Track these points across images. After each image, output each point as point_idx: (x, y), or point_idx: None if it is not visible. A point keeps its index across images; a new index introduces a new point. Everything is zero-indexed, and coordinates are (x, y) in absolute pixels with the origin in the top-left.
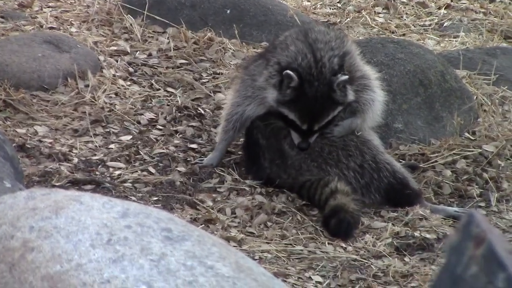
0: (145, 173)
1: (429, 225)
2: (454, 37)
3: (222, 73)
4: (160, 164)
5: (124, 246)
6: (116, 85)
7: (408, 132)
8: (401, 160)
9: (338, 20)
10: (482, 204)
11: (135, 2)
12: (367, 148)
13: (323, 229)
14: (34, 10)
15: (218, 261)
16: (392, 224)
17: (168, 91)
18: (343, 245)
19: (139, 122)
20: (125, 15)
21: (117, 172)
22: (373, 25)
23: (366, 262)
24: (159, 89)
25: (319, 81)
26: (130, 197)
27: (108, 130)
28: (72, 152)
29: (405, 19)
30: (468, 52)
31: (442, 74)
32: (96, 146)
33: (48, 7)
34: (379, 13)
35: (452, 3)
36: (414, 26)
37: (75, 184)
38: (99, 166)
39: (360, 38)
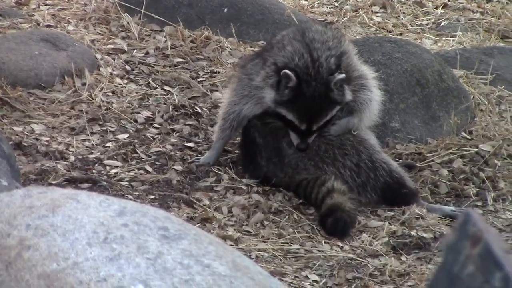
0: (141, 171)
1: (425, 224)
2: (451, 37)
3: (219, 72)
4: (157, 163)
5: (121, 244)
6: (113, 84)
7: (405, 131)
8: (397, 159)
9: (335, 19)
10: (479, 203)
11: (132, 1)
12: (364, 147)
13: (319, 228)
14: (31, 8)
15: (214, 260)
16: (389, 223)
17: (165, 90)
18: (340, 244)
19: (136, 121)
20: (122, 14)
21: (114, 171)
22: (370, 24)
23: (363, 261)
24: (156, 88)
25: (316, 81)
26: (127, 195)
27: (105, 128)
28: (69, 151)
29: (402, 19)
30: (465, 52)
31: (439, 73)
32: (93, 144)
33: (45, 5)
34: (376, 12)
35: (449, 2)
36: (411, 26)
37: (72, 182)
38: (96, 165)
39: (357, 37)
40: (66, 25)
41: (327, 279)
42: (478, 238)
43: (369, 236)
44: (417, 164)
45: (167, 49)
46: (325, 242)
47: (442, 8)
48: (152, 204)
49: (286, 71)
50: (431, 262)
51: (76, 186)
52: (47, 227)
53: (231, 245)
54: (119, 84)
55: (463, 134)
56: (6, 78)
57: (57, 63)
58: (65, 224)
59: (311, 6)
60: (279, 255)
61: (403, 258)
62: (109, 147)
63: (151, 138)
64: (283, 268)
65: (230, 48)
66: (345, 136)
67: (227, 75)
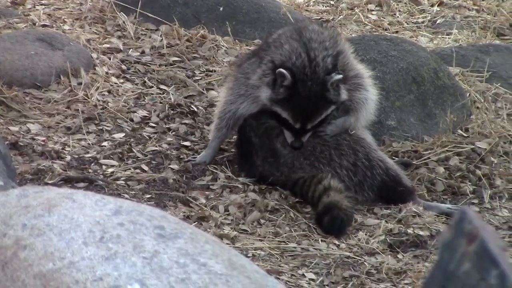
0: (138, 170)
1: (422, 222)
2: (447, 34)
3: (215, 71)
4: (153, 162)
5: (117, 243)
6: (109, 83)
7: (401, 129)
8: (394, 157)
9: (331, 18)
10: (475, 201)
11: (128, 0)
12: (360, 146)
13: (316, 226)
14: (27, 7)
15: (211, 259)
16: (385, 221)
17: (161, 89)
18: (336, 242)
19: (132, 120)
20: (118, 13)
21: (110, 170)
22: (366, 22)
23: (359, 259)
24: (152, 87)
25: (312, 81)
26: (123, 194)
27: (101, 127)
28: (65, 150)
29: (398, 17)
30: (461, 49)
31: (435, 71)
32: (89, 143)
33: (41, 4)
34: (372, 10)
35: (444, 0)
36: (407, 24)
37: (68, 182)
38: (92, 164)
39: (353, 35)
40: (61, 24)
41: (323, 278)
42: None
43: (365, 234)
44: (414, 162)
45: (163, 48)
46: (321, 241)
47: (437, 5)
48: (149, 203)
49: (281, 70)
50: (428, 260)
51: (72, 185)
52: (43, 226)
53: (228, 243)
54: (115, 83)
55: (459, 131)
56: (2, 77)
57: (52, 63)
58: (61, 223)
59: (306, 4)
60: (276, 254)
61: (399, 256)
62: (105, 146)
63: (147, 137)
64: (280, 266)
65: (226, 47)
66: (341, 136)
67: (223, 74)
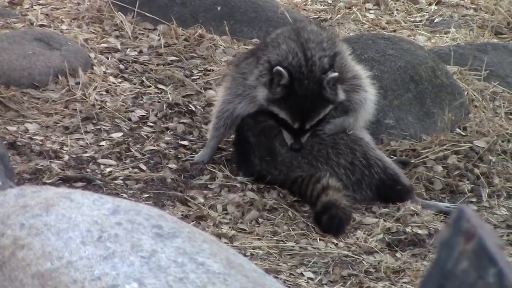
0: (136, 170)
1: (420, 220)
2: (445, 33)
3: (213, 70)
4: (151, 161)
5: (115, 243)
6: (107, 82)
7: (399, 128)
8: (392, 156)
9: (329, 17)
10: (474, 199)
11: None
12: (358, 145)
13: (314, 225)
14: (24, 7)
15: (209, 258)
16: (384, 220)
17: (159, 88)
18: (335, 241)
19: (130, 119)
20: (115, 12)
21: (108, 169)
22: (363, 21)
23: (358, 258)
24: (150, 86)
25: (309, 79)
26: (121, 194)
27: (99, 127)
28: (63, 150)
29: (395, 15)
30: (459, 48)
31: (433, 70)
32: (87, 143)
33: (39, 4)
34: (370, 9)
35: None
36: (405, 22)
37: (66, 181)
38: (90, 163)
39: (351, 34)
40: (59, 24)
41: (322, 276)
42: (471, 234)
43: (364, 233)
44: (412, 161)
45: (161, 48)
46: (320, 239)
47: (435, 4)
48: (147, 202)
49: (279, 68)
50: (426, 259)
51: (70, 185)
52: (41, 226)
53: (226, 243)
54: (113, 83)
55: (458, 130)
56: (0, 77)
57: (50, 63)
58: (59, 223)
59: (304, 3)
60: (274, 253)
61: (398, 254)
62: (103, 146)
63: (145, 137)
64: (278, 265)
65: (224, 46)
66: (339, 135)
67: (221, 73)
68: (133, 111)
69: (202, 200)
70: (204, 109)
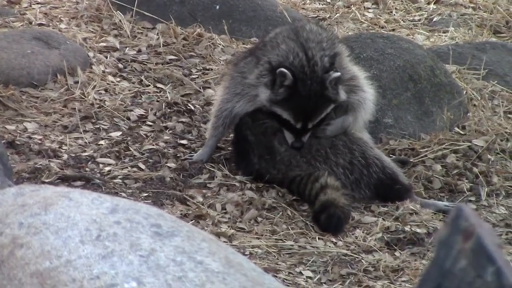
0: (135, 169)
1: (419, 219)
2: (444, 32)
3: (211, 69)
4: (150, 160)
5: (114, 242)
6: (105, 81)
7: (398, 127)
8: (391, 155)
9: (328, 16)
10: (472, 198)
11: None
12: (356, 145)
13: (313, 224)
14: (23, 6)
15: (207, 257)
16: (383, 218)
17: (157, 87)
18: (334, 240)
19: (128, 118)
20: (114, 11)
21: (107, 168)
22: (362, 20)
23: (357, 257)
24: (149, 85)
25: (312, 80)
26: (120, 193)
27: (97, 126)
28: (62, 149)
29: (394, 14)
30: (458, 47)
31: (431, 69)
32: (85, 142)
33: (37, 3)
34: (369, 8)
35: None
36: (404, 21)
37: (65, 180)
38: (89, 163)
39: (350, 33)
40: (58, 23)
41: (321, 275)
42: (470, 233)
43: (363, 232)
44: (411, 160)
45: (160, 47)
46: (319, 238)
47: (434, 3)
48: (146, 201)
49: (283, 69)
50: (425, 258)
51: (69, 184)
52: (39, 225)
53: (225, 241)
54: (112, 82)
55: (456, 129)
56: None
57: (49, 62)
58: (58, 222)
59: (303, 2)
60: (273, 252)
61: (397, 253)
62: (102, 145)
63: (144, 136)
64: (277, 264)
65: (223, 45)
66: (338, 135)
67: (219, 72)
68: (132, 110)
69: (201, 199)
70: (203, 108)
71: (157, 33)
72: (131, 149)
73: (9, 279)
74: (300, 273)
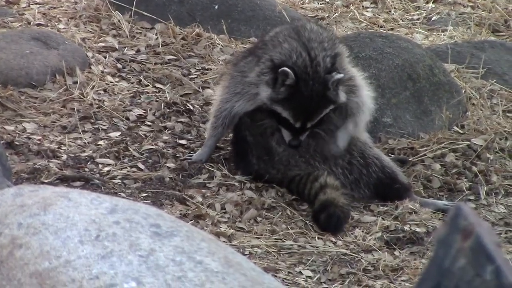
0: (134, 169)
1: (418, 218)
2: (442, 31)
3: (210, 69)
4: (149, 160)
5: (113, 242)
6: (104, 82)
7: (397, 126)
8: (390, 154)
9: (326, 15)
10: (472, 197)
11: None
12: (355, 145)
13: (313, 223)
14: (21, 6)
15: (207, 256)
16: (382, 218)
17: (156, 87)
18: (333, 239)
19: (128, 118)
20: (113, 11)
21: (106, 169)
22: (361, 19)
23: (356, 256)
24: (148, 85)
25: (314, 80)
26: (120, 193)
27: (97, 126)
28: (61, 149)
29: (393, 14)
30: (456, 46)
31: (430, 68)
32: (85, 142)
33: (36, 3)
34: (367, 7)
35: None
36: (402, 21)
37: (64, 181)
38: (88, 163)
39: (349, 32)
40: (56, 23)
41: (320, 275)
42: (469, 232)
43: (362, 231)
44: (410, 159)
45: (158, 47)
46: (318, 238)
47: (432, 2)
48: (145, 201)
49: (285, 68)
50: (425, 257)
51: (68, 184)
52: (38, 225)
53: (225, 241)
54: (111, 82)
55: (455, 128)
56: None
57: (48, 62)
58: (57, 222)
59: (302, 2)
60: (273, 251)
61: (396, 253)
62: (101, 145)
63: (143, 136)
64: (277, 264)
65: (221, 45)
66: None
67: (218, 72)
68: (131, 110)
69: (200, 199)
70: (202, 108)
71: (156, 33)
72: (130, 149)
73: (8, 279)
74: (300, 272)
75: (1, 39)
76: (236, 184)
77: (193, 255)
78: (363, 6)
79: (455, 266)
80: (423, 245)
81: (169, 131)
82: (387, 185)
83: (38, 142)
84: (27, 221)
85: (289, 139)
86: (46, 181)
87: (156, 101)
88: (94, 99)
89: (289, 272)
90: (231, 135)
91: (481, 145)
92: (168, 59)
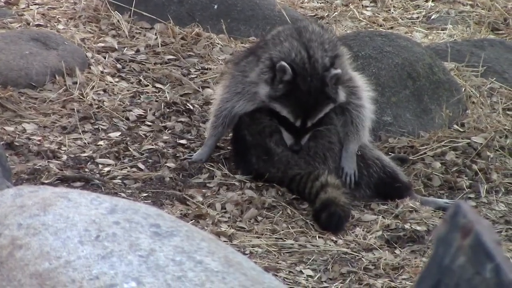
0: (134, 169)
1: (419, 217)
2: (442, 30)
3: (210, 69)
4: (150, 160)
5: (113, 242)
6: (104, 82)
7: (397, 125)
8: (390, 153)
9: (326, 14)
10: (472, 195)
11: None
12: None
13: (313, 222)
14: (20, 7)
15: (207, 256)
16: (383, 217)
17: (156, 87)
18: (334, 238)
19: (127, 119)
20: (112, 12)
21: (106, 169)
22: (361, 18)
23: (357, 255)
24: (148, 85)
25: (312, 76)
26: (120, 193)
27: (96, 126)
28: (61, 149)
29: (392, 12)
30: (456, 45)
31: (430, 66)
32: (85, 143)
33: (35, 4)
34: (367, 6)
35: None
36: (402, 19)
37: (64, 181)
38: (88, 163)
39: (348, 31)
40: (56, 24)
41: (321, 274)
42: (468, 230)
43: (363, 230)
44: (410, 157)
45: (158, 47)
46: (319, 237)
47: (432, 1)
48: (145, 201)
49: (283, 63)
50: (425, 255)
51: (68, 185)
52: (38, 226)
53: (225, 241)
54: (110, 82)
55: (455, 126)
56: None
57: (47, 62)
58: (57, 222)
59: (301, 1)
60: (273, 251)
61: (397, 251)
62: (101, 145)
63: (143, 136)
64: (278, 263)
65: (221, 45)
66: (334, 139)
67: (218, 72)
68: (131, 111)
69: (200, 198)
70: (202, 107)
71: (156, 33)
72: (130, 149)
73: (8, 280)
74: (301, 272)
75: (1, 40)
76: (237, 183)
77: (193, 255)
78: (362, 5)
79: (455, 264)
80: (424, 243)
81: (169, 131)
82: (387, 184)
83: (38, 142)
84: (27, 222)
85: (290, 143)
86: (46, 181)
87: (156, 101)
88: (94, 100)
89: (289, 272)
90: (231, 134)
91: (481, 143)
92: (168, 59)
